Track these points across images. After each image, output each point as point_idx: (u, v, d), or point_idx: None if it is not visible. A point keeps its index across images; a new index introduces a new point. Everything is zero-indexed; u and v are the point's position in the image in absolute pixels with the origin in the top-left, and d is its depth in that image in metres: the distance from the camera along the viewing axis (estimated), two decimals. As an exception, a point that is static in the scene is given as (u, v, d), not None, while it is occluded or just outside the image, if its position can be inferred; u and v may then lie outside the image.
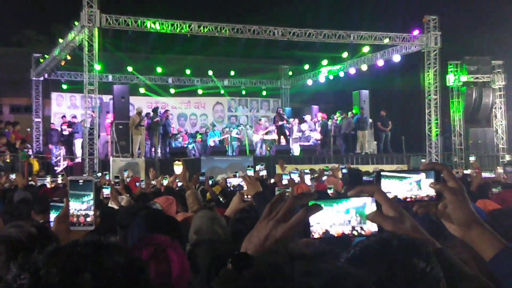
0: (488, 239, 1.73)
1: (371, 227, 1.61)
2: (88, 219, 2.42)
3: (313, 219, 1.57)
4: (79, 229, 2.40)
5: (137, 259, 1.14)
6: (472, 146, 24.28)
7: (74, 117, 24.02)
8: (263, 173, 11.66)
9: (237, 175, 11.63)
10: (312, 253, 1.13)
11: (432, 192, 1.79)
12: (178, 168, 13.12)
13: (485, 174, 10.83)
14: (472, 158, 22.11)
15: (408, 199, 1.81)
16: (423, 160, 20.75)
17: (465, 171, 14.57)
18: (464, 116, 24.48)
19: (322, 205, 1.56)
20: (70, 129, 23.05)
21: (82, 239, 1.17)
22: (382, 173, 1.82)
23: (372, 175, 9.58)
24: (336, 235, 1.60)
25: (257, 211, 4.40)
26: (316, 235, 1.59)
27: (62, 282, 1.03)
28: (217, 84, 29.25)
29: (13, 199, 7.47)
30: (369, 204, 1.62)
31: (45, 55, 25.42)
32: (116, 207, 6.17)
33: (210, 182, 9.16)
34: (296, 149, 24.17)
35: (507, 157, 22.98)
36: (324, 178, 10.96)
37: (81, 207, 2.42)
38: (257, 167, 12.34)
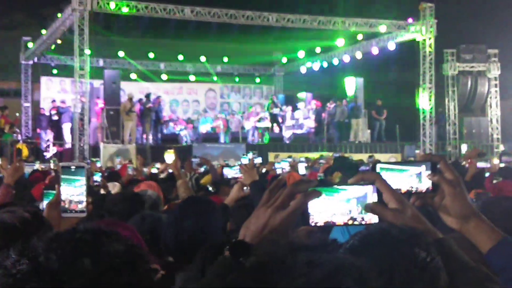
0: (486, 231, 1.74)
1: (372, 217, 1.60)
2: (80, 206, 2.42)
3: (314, 208, 1.57)
4: (71, 216, 2.40)
5: (136, 246, 1.14)
6: (466, 136, 24.41)
7: (63, 102, 23.92)
8: (258, 160, 11.67)
9: (229, 163, 11.68)
10: (314, 243, 1.13)
11: (430, 184, 1.80)
12: (169, 156, 13.13)
13: (479, 164, 10.89)
14: (464, 148, 22.30)
15: (410, 191, 1.81)
16: (417, 151, 20.83)
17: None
18: (458, 105, 24.57)
19: (322, 192, 1.55)
20: (57, 117, 23.01)
21: (82, 226, 1.17)
22: (380, 165, 1.81)
23: (366, 164, 9.58)
24: (335, 224, 1.60)
25: (252, 199, 4.44)
26: (315, 224, 1.59)
27: (61, 268, 1.03)
28: (210, 71, 29.18)
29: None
30: (370, 193, 1.62)
31: (35, 39, 25.25)
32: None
33: (202, 169, 9.15)
34: (287, 136, 24.27)
35: (501, 147, 23.13)
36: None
37: (73, 193, 2.42)
38: (249, 155, 12.35)
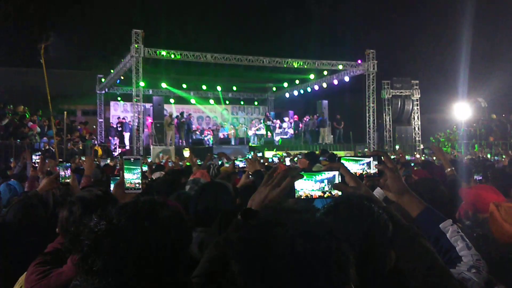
0: (414, 202, 1.76)
1: (337, 192, 1.62)
2: (137, 185, 2.42)
3: (299, 186, 1.58)
4: (131, 192, 2.40)
5: (179, 212, 1.13)
6: (397, 139, 24.46)
7: (125, 118, 24.06)
8: (260, 154, 11.82)
9: (238, 158, 11.72)
10: (299, 208, 1.12)
11: (377, 170, 1.81)
12: (186, 152, 13.25)
13: (407, 157, 10.95)
14: (397, 147, 22.33)
15: (362, 175, 1.82)
16: (366, 150, 20.82)
17: (392, 157, 14.63)
18: (392, 118, 24.62)
19: (304, 176, 1.57)
20: (121, 128, 23.16)
21: (141, 198, 1.16)
22: (344, 157, 1.83)
23: (322, 157, 9.40)
24: (313, 197, 1.61)
25: (255, 182, 4.44)
26: (300, 196, 1.60)
27: (129, 227, 1.02)
28: (224, 98, 29.24)
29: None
30: (336, 176, 1.63)
31: (106, 76, 25.29)
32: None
33: (219, 163, 9.11)
34: (277, 140, 24.31)
35: (422, 146, 23.20)
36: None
37: (132, 177, 2.42)
38: (252, 153, 12.37)
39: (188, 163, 10.09)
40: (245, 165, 6.20)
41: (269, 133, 24.73)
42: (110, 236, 1.00)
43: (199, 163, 8.99)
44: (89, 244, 1.00)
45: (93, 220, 1.05)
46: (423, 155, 11.57)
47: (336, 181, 1.62)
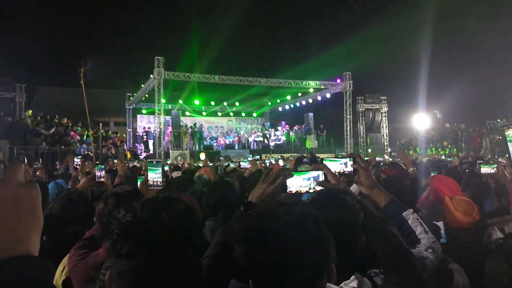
0: (382, 195, 1.75)
1: (321, 188, 1.61)
2: (159, 183, 2.41)
3: (289, 183, 1.57)
4: (154, 189, 2.39)
5: (192, 206, 1.12)
6: (370, 143, 24.46)
7: (149, 128, 24.03)
8: (257, 157, 11.69)
9: (242, 160, 11.67)
10: (289, 201, 1.12)
11: (352, 169, 1.80)
12: (202, 156, 13.36)
13: (377, 158, 10.91)
14: (369, 150, 22.31)
15: (341, 172, 1.81)
16: (344, 152, 20.80)
17: (366, 158, 14.55)
18: (365, 127, 24.62)
19: (294, 175, 1.56)
20: (146, 137, 23.12)
21: (160, 194, 1.15)
22: (325, 158, 1.83)
23: (307, 158, 9.33)
24: (302, 192, 1.60)
25: (256, 178, 4.45)
26: (290, 192, 1.59)
27: (150, 218, 1.02)
28: (229, 110, 29.22)
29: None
30: (320, 175, 1.62)
31: (133, 94, 25.29)
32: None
33: (226, 164, 9.09)
34: (272, 145, 24.28)
35: (389, 149, 23.20)
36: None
37: (154, 176, 2.41)
38: (251, 156, 12.30)
39: (200, 164, 10.10)
40: (248, 166, 6.21)
41: (265, 140, 24.71)
42: (135, 226, 1.00)
43: (211, 164, 8.98)
44: (117, 233, 1.00)
45: (121, 212, 1.04)
46: (390, 157, 11.55)
47: (320, 179, 1.62)
